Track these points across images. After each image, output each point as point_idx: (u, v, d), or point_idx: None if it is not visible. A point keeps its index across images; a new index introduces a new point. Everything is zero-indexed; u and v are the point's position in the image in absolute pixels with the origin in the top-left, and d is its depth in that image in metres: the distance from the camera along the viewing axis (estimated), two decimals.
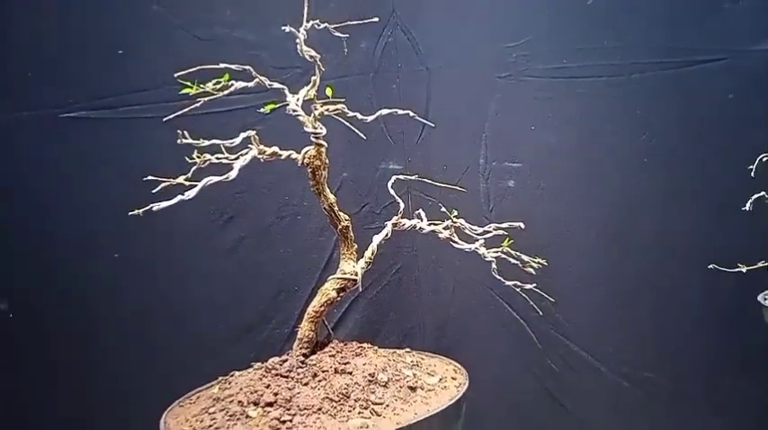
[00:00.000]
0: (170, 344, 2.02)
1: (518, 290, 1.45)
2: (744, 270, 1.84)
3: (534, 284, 1.44)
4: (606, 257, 2.14)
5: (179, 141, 1.18)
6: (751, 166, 1.78)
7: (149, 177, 1.19)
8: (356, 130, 1.32)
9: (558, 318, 2.14)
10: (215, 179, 1.20)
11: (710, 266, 1.87)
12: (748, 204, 1.78)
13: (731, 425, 2.12)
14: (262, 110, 1.37)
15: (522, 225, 1.40)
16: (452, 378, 1.34)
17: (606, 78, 2.08)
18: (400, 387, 1.24)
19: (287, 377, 1.26)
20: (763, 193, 1.78)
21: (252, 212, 2.08)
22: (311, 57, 1.31)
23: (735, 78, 2.07)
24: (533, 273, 1.45)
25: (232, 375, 1.37)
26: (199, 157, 1.25)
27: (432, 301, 2.19)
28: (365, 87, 2.09)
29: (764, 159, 1.79)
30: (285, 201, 2.08)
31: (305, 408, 1.16)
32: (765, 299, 1.88)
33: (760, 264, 1.85)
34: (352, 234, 1.39)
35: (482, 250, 1.39)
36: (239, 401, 1.22)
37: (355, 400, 1.18)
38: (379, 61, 2.10)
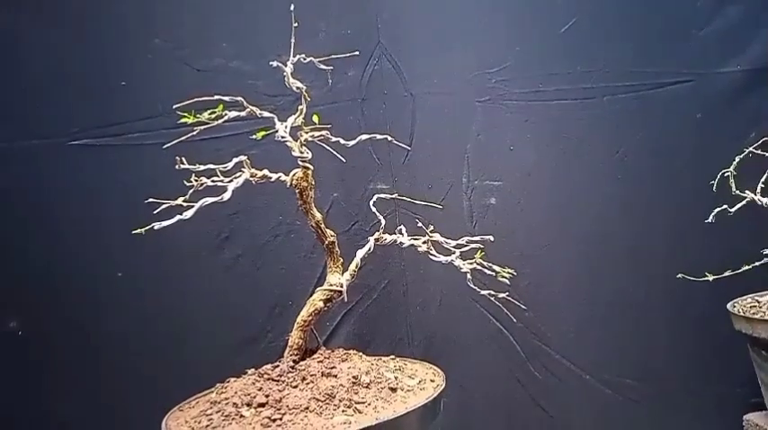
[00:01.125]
0: (172, 357, 2.12)
1: (492, 299, 1.56)
2: (710, 279, 1.96)
3: (507, 293, 1.56)
4: (584, 269, 2.25)
5: (177, 167, 1.29)
6: (712, 181, 1.91)
7: (151, 199, 1.31)
8: (337, 154, 1.44)
9: (540, 327, 2.24)
10: (210, 200, 1.33)
11: (679, 276, 1.99)
12: (711, 217, 1.90)
13: (707, 428, 2.22)
14: (254, 136, 1.50)
15: (492, 238, 1.52)
16: (431, 380, 1.45)
17: (580, 101, 2.22)
18: (381, 388, 1.36)
19: (278, 381, 1.37)
20: (725, 206, 1.91)
21: (248, 232, 2.19)
22: (297, 88, 1.44)
23: (701, 99, 2.21)
24: (507, 282, 1.56)
25: (228, 381, 1.48)
26: (196, 181, 1.37)
27: (419, 314, 2.29)
28: (354, 112, 2.21)
29: (726, 175, 1.92)
30: (279, 221, 2.19)
31: (294, 408, 1.28)
32: (734, 307, 1.99)
33: (726, 274, 1.97)
34: (337, 249, 1.52)
35: (458, 262, 1.51)
36: (234, 403, 1.33)
37: (340, 400, 1.30)
38: (367, 88, 2.23)
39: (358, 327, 2.25)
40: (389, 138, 1.54)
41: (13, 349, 2.07)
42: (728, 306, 2.00)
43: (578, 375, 2.25)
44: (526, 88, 2.22)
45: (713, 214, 1.89)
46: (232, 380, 1.47)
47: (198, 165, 1.33)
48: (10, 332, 2.08)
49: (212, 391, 1.47)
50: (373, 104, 2.23)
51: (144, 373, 2.09)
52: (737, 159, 1.91)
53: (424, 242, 1.53)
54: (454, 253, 1.52)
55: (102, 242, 2.09)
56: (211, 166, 1.35)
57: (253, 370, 1.46)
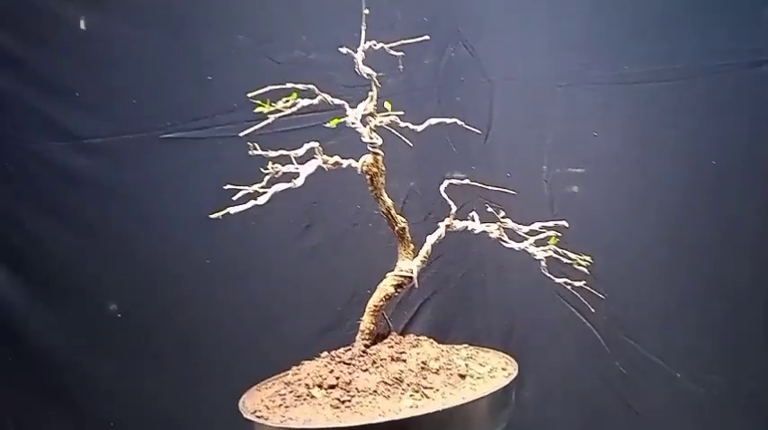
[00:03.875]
0: (255, 342, 2.22)
1: (569, 288, 1.52)
2: None
3: (584, 282, 1.51)
4: (673, 260, 2.13)
5: (250, 153, 1.34)
6: None
7: (228, 186, 1.36)
8: (407, 140, 1.45)
9: (625, 321, 2.15)
10: (284, 186, 1.36)
11: None
12: None
13: None
14: (327, 124, 1.53)
15: (566, 223, 1.47)
16: (503, 368, 1.43)
17: (668, 83, 2.08)
18: (450, 374, 1.35)
19: (348, 364, 1.40)
20: None
21: (327, 221, 2.24)
22: (368, 74, 1.44)
23: None
24: (585, 270, 1.51)
25: (302, 363, 1.52)
26: (272, 168, 1.41)
27: (498, 305, 2.26)
28: (430, 100, 2.21)
29: None
30: (357, 210, 2.22)
31: (362, 390, 1.30)
32: None
33: None
34: (408, 235, 1.52)
35: (531, 249, 1.48)
36: (306, 384, 1.37)
37: (408, 384, 1.30)
38: (444, 76, 2.21)
39: (435, 317, 2.26)
40: (459, 122, 1.52)
41: (114, 329, 2.24)
42: None
43: (666, 371, 2.14)
44: (609, 71, 2.11)
45: None
46: (306, 362, 1.51)
47: (269, 152, 1.36)
48: (110, 314, 2.25)
49: (287, 373, 1.52)
50: (450, 92, 2.21)
51: (227, 357, 2.20)
52: None
53: (497, 228, 1.51)
54: (527, 239, 1.49)
55: (192, 230, 2.20)
56: (284, 153, 1.38)
57: (326, 353, 1.49)
